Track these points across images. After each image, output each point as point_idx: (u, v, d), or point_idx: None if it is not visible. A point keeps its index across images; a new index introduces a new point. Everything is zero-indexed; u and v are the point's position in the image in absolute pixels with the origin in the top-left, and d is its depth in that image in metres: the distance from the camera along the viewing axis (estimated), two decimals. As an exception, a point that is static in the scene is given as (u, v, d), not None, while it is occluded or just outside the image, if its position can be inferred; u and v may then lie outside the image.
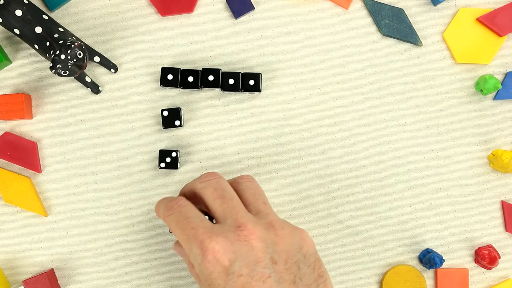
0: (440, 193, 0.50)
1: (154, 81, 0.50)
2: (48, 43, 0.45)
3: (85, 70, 0.49)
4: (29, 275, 0.49)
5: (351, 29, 0.50)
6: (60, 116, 0.50)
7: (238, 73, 0.49)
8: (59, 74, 0.44)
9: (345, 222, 0.50)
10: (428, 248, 0.50)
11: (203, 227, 0.38)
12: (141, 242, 0.50)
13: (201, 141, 0.50)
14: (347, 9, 0.50)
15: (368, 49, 0.50)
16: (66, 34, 0.47)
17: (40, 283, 0.47)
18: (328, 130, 0.50)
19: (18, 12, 0.45)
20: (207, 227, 0.38)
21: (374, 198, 0.50)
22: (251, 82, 0.49)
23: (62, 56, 0.43)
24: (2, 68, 0.50)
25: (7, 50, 0.50)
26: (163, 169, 0.50)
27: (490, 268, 0.49)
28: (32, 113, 0.50)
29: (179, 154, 0.49)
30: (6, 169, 0.49)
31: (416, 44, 0.50)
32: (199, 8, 0.50)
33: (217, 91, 0.50)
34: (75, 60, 0.44)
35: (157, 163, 0.50)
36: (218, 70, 0.49)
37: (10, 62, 0.49)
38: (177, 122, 0.49)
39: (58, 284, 0.49)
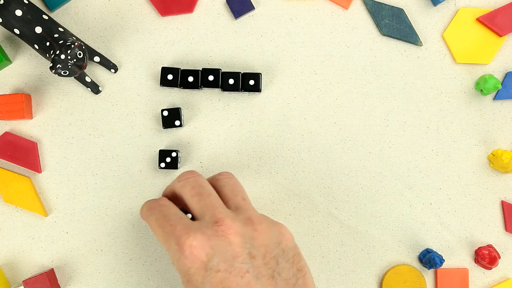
0: (440, 193, 0.50)
1: (154, 81, 0.50)
2: (48, 43, 0.45)
3: (85, 70, 0.49)
4: (29, 275, 0.49)
5: (351, 29, 0.50)
6: (60, 116, 0.50)
7: (238, 73, 0.49)
8: (59, 74, 0.44)
9: (345, 222, 0.50)
10: (428, 248, 0.50)
11: (182, 224, 0.38)
12: (141, 242, 0.50)
13: (201, 141, 0.50)
14: (347, 9, 0.50)
15: (368, 49, 0.50)
16: (66, 34, 0.47)
17: (40, 283, 0.47)
18: (328, 130, 0.50)
19: (18, 12, 0.45)
20: (185, 223, 0.38)
21: (374, 198, 0.50)
22: (251, 82, 0.49)
23: (62, 56, 0.43)
24: (2, 68, 0.50)
25: (7, 50, 0.49)
26: (163, 169, 0.50)
27: (490, 268, 0.49)
28: (32, 113, 0.50)
29: (179, 154, 0.49)
30: (6, 169, 0.49)
31: (416, 44, 0.50)
32: (199, 8, 0.50)
33: (217, 91, 0.50)
34: (75, 60, 0.44)
35: (157, 163, 0.50)
36: (218, 70, 0.49)
37: (10, 62, 0.49)
38: (177, 122, 0.49)
39: (58, 284, 0.49)
